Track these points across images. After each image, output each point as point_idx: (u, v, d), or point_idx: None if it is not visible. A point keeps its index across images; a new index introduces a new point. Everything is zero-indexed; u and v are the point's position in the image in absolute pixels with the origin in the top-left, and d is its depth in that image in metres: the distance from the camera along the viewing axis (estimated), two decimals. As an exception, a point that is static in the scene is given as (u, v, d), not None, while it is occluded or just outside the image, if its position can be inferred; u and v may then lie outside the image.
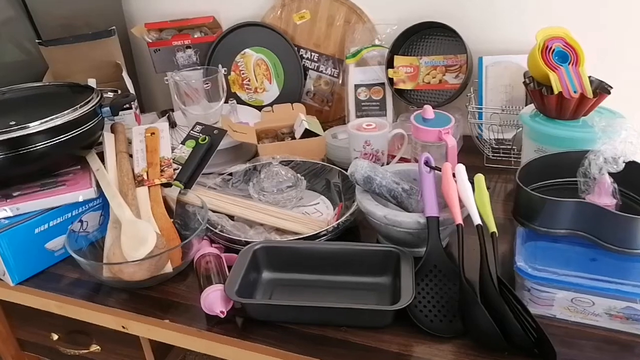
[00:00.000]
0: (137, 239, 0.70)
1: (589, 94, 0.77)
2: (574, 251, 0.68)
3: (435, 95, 1.13)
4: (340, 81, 1.21)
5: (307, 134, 1.01)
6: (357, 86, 1.14)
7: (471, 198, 0.69)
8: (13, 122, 0.87)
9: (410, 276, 0.66)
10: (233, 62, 1.25)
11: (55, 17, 1.13)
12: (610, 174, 0.69)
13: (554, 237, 0.68)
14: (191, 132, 0.93)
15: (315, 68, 1.23)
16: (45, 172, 0.83)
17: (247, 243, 0.75)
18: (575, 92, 0.79)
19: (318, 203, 0.93)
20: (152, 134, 0.91)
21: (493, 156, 1.04)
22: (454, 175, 0.72)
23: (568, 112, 0.79)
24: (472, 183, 0.71)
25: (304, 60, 1.22)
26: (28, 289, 0.77)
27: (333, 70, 1.22)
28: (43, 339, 0.91)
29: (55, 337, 0.90)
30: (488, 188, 0.72)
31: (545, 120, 0.82)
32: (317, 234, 0.77)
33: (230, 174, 0.95)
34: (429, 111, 0.88)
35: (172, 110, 1.22)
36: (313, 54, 1.21)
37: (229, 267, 0.73)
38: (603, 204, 0.67)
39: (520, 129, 0.94)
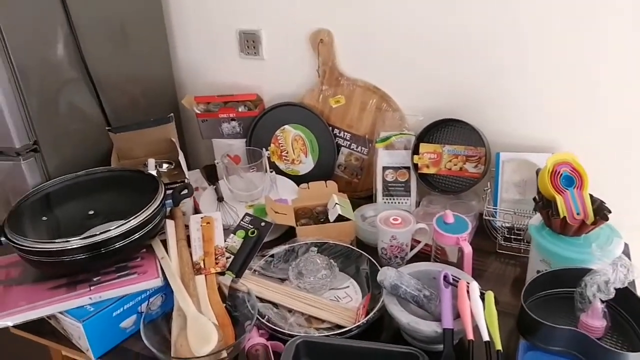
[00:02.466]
0: (202, 336, 0.84)
1: (590, 220, 0.89)
2: (569, 365, 0.80)
3: (455, 181, 1.25)
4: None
5: (340, 217, 1.15)
6: (384, 168, 1.27)
7: (481, 315, 0.81)
8: (92, 212, 1.03)
9: (427, 380, 0.79)
10: (273, 135, 1.38)
11: (117, 85, 1.28)
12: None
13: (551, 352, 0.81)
14: (241, 222, 1.07)
15: (347, 145, 1.36)
16: (120, 262, 0.98)
17: (289, 332, 0.90)
18: (578, 213, 0.91)
19: (348, 287, 1.06)
20: (208, 223, 1.05)
21: (505, 243, 1.17)
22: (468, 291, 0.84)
23: (571, 232, 0.91)
24: (483, 299, 0.84)
25: (337, 138, 1.36)
26: (106, 363, 0.93)
27: (363, 148, 1.35)
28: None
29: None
30: (497, 303, 0.84)
31: (550, 235, 0.94)
32: (349, 329, 0.90)
33: (272, 256, 1.09)
34: (449, 216, 1.01)
35: (217, 179, 1.36)
36: (346, 133, 1.35)
37: (274, 352, 0.88)
38: (594, 326, 0.80)
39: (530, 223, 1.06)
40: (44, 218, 1.01)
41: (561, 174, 0.93)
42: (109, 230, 0.91)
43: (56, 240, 0.89)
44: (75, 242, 0.89)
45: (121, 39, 1.28)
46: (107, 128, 1.20)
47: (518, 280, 1.09)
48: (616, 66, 1.06)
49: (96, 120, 1.22)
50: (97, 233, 0.90)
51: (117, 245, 0.92)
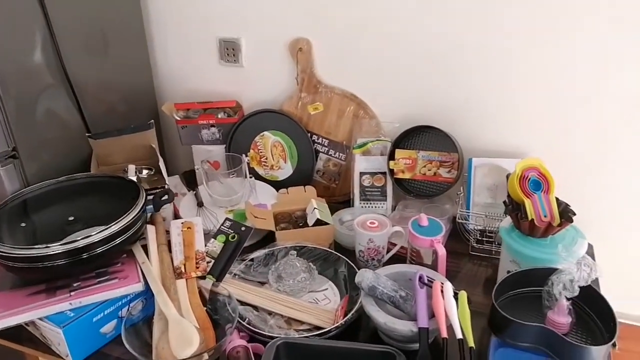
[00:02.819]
0: (183, 338, 0.86)
1: (556, 222, 0.94)
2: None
3: (430, 185, 1.29)
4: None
5: (318, 221, 1.17)
6: (362, 173, 1.30)
7: (455, 314, 0.85)
8: (72, 218, 1.04)
9: (404, 379, 0.82)
10: (252, 141, 1.40)
11: (96, 92, 1.28)
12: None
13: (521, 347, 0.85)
14: (221, 227, 1.09)
15: (325, 152, 1.39)
16: (101, 267, 0.98)
17: (269, 334, 0.92)
18: (545, 216, 0.96)
19: (327, 289, 1.09)
20: (189, 228, 1.07)
21: (477, 245, 1.21)
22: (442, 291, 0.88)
23: (538, 233, 0.96)
24: (456, 299, 0.88)
25: (315, 144, 1.38)
26: (86, 368, 0.93)
27: (341, 154, 1.38)
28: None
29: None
30: (469, 303, 0.88)
31: (520, 237, 0.98)
32: (328, 330, 0.93)
33: (252, 260, 1.11)
34: (423, 219, 1.05)
35: (196, 185, 1.37)
36: (324, 139, 1.38)
37: (254, 354, 0.90)
38: (560, 322, 0.84)
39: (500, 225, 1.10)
40: (23, 224, 1.01)
41: (529, 179, 0.98)
42: (91, 235, 0.92)
43: (36, 246, 0.89)
44: (56, 248, 0.89)
45: (101, 46, 1.28)
46: (87, 134, 1.20)
47: (490, 281, 1.13)
48: (584, 75, 1.12)
49: (75, 126, 1.23)
50: (79, 238, 0.91)
51: (98, 250, 0.93)
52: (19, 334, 0.96)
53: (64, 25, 1.15)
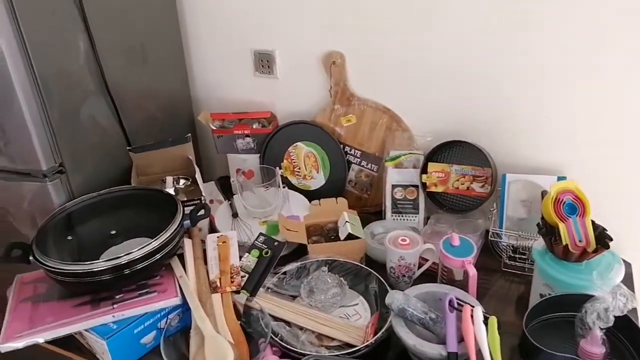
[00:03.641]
0: (219, 355, 0.90)
1: (591, 248, 0.92)
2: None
3: (462, 200, 1.28)
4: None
5: (350, 235, 1.19)
6: (394, 186, 1.30)
7: (484, 340, 0.85)
8: (114, 232, 1.08)
9: (432, 402, 0.83)
10: (286, 151, 1.43)
11: (135, 101, 1.32)
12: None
13: (551, 376, 0.85)
14: (255, 242, 1.12)
15: (358, 163, 1.40)
16: (141, 280, 1.03)
17: (301, 351, 0.94)
18: (580, 241, 0.94)
19: (357, 304, 1.10)
20: (224, 242, 1.10)
21: (509, 262, 1.20)
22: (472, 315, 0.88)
23: (573, 258, 0.94)
24: (486, 323, 0.88)
25: (348, 155, 1.40)
26: (128, 378, 0.98)
27: (373, 165, 1.38)
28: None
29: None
30: (499, 328, 0.88)
31: (553, 260, 0.97)
32: (358, 348, 0.95)
33: (284, 273, 1.14)
34: (455, 239, 1.05)
35: (232, 192, 1.41)
36: (356, 151, 1.38)
37: (286, 370, 0.94)
38: (592, 352, 0.84)
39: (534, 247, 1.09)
40: (69, 237, 1.07)
41: (564, 202, 0.97)
42: (132, 252, 0.96)
43: (82, 262, 0.94)
44: (100, 264, 0.94)
45: (140, 57, 1.32)
46: (127, 148, 1.25)
47: (522, 299, 1.12)
48: (621, 93, 1.09)
49: (115, 136, 1.27)
50: (122, 255, 0.95)
51: (139, 266, 0.97)
52: (68, 342, 1.01)
53: (103, 36, 1.18)
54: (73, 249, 1.05)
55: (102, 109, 1.23)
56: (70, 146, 1.15)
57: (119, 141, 1.28)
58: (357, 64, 1.31)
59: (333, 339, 1.01)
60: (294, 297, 1.11)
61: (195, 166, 1.31)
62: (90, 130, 1.20)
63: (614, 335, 0.88)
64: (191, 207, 1.13)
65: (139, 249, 0.98)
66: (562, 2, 1.06)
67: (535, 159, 1.23)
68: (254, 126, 1.43)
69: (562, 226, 0.95)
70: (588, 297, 0.87)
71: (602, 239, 0.94)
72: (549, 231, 0.98)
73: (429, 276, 1.14)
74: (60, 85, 1.10)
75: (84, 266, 0.94)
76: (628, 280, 1.11)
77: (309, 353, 0.94)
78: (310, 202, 1.35)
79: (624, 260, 1.01)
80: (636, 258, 1.18)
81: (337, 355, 0.94)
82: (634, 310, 0.88)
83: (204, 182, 1.52)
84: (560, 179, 1.16)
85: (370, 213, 1.41)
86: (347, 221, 1.21)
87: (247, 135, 1.43)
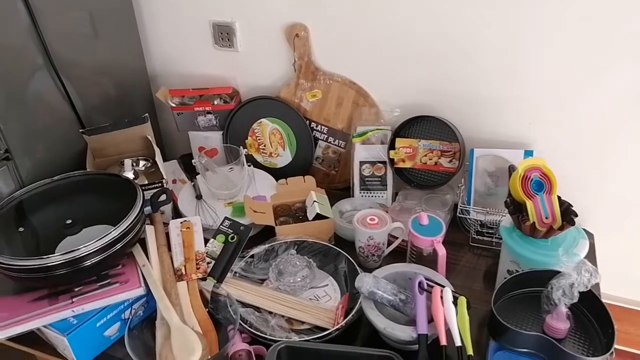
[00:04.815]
0: (186, 347, 0.87)
1: (557, 225, 0.93)
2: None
3: (431, 175, 1.27)
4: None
5: (318, 215, 1.17)
6: (361, 163, 1.28)
7: (454, 321, 0.86)
8: (70, 221, 1.03)
9: (403, 384, 0.84)
10: (250, 128, 1.38)
11: (86, 77, 1.24)
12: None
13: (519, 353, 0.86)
14: (221, 226, 1.08)
15: (325, 139, 1.36)
16: (101, 271, 0.98)
17: (271, 337, 0.93)
18: (547, 218, 0.95)
19: (327, 285, 1.09)
20: (188, 228, 1.06)
21: (477, 236, 1.21)
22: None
23: (539, 235, 0.95)
24: (456, 304, 0.89)
25: (314, 131, 1.36)
26: (92, 372, 0.95)
27: (340, 141, 1.35)
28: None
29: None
30: (469, 308, 0.89)
31: (520, 238, 0.97)
32: (329, 332, 0.94)
33: (252, 256, 1.11)
34: (424, 218, 1.04)
35: (196, 173, 1.35)
36: (323, 127, 1.35)
37: (257, 356, 0.92)
38: (557, 327, 0.85)
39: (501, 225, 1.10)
40: (21, 229, 1.01)
41: (532, 179, 0.96)
42: (89, 244, 0.91)
43: (36, 257, 0.89)
44: (56, 259, 0.89)
45: (89, 29, 1.23)
46: (80, 130, 1.18)
47: (489, 272, 1.14)
48: (591, 67, 1.08)
49: (67, 116, 1.19)
50: (79, 247, 0.90)
51: (98, 258, 0.93)
52: (29, 337, 0.96)
53: (44, 6, 1.09)
54: (26, 242, 0.99)
55: (50, 88, 1.14)
56: (16, 129, 1.07)
57: (71, 123, 1.20)
58: (322, 36, 1.26)
59: (303, 323, 1.00)
60: (262, 281, 1.09)
61: (155, 147, 1.25)
62: (39, 112, 1.12)
63: (578, 309, 0.90)
64: (153, 191, 1.08)
65: (97, 240, 0.93)
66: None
67: (502, 134, 1.22)
68: (216, 102, 1.37)
69: (529, 204, 0.95)
70: (554, 274, 0.88)
71: (568, 215, 0.95)
72: (516, 208, 0.98)
73: (399, 253, 1.13)
74: (1, 63, 1.02)
75: (38, 261, 0.88)
76: (590, 251, 1.13)
77: (279, 339, 0.93)
78: (276, 181, 1.32)
79: (585, 231, 1.03)
80: (597, 228, 1.21)
81: (307, 341, 0.93)
82: (597, 286, 0.90)
83: (166, 160, 1.48)
84: (527, 153, 1.16)
85: (339, 189, 1.39)
86: (315, 201, 1.18)
87: (209, 112, 1.37)
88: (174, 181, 1.39)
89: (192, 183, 1.30)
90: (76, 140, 1.20)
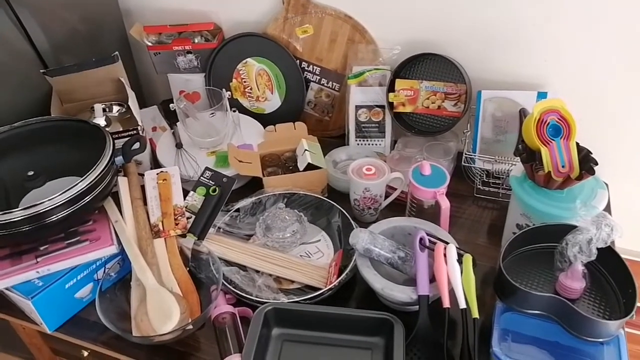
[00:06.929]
0: (162, 311, 0.79)
1: (575, 174, 0.83)
2: (544, 328, 0.78)
3: (433, 120, 1.16)
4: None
5: (310, 165, 1.06)
6: (357, 107, 1.17)
7: (459, 280, 0.78)
8: (32, 172, 0.93)
9: (401, 348, 0.76)
10: (235, 69, 1.25)
11: (48, 11, 1.10)
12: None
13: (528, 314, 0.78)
14: (201, 178, 0.98)
15: (317, 81, 1.24)
16: (69, 228, 0.89)
17: (257, 298, 0.85)
18: (563, 166, 0.85)
19: (319, 240, 1.01)
20: (164, 180, 0.96)
21: (483, 187, 1.12)
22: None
23: (555, 185, 0.86)
24: (460, 262, 0.80)
25: (305, 72, 1.23)
26: (63, 335, 0.87)
27: (334, 84, 1.23)
28: (74, 351, 1.04)
29: (85, 353, 1.02)
30: (474, 266, 0.80)
31: (533, 188, 0.88)
32: (321, 292, 0.86)
33: (237, 210, 1.02)
34: (426, 167, 0.94)
35: (177, 119, 1.24)
36: (315, 67, 1.22)
37: (242, 318, 0.85)
38: (572, 287, 0.77)
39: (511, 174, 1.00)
40: (-23, 182, 0.91)
41: (548, 123, 0.86)
42: (54, 197, 0.81)
43: (-8, 213, 0.79)
44: (17, 214, 0.79)
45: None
46: (42, 71, 1.05)
47: (495, 226, 1.05)
48: (614, 5, 0.95)
49: (27, 56, 1.06)
50: (42, 201, 0.80)
51: (64, 213, 0.83)
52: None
53: None
54: (-17, 196, 0.89)
55: (4, 22, 1.00)
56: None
57: (31, 63, 1.07)
58: (313, -38, 1.11)
59: (293, 282, 0.92)
60: (249, 237, 1.00)
61: (129, 90, 1.13)
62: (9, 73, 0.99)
63: (593, 266, 0.82)
64: (126, 139, 0.97)
65: (62, 193, 0.82)
66: None
67: (513, 74, 1.10)
68: (196, 40, 1.24)
69: (544, 151, 0.85)
70: (569, 228, 0.79)
71: (587, 163, 0.85)
72: (529, 156, 0.88)
73: (398, 206, 1.04)
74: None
75: (-4, 217, 0.79)
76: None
77: (266, 300, 0.85)
78: (264, 128, 1.21)
79: (602, 183, 0.94)
80: (613, 178, 1.12)
81: (297, 302, 0.85)
82: (613, 242, 0.82)
83: (146, 106, 1.36)
84: (540, 94, 1.05)
85: (333, 137, 1.28)
86: (306, 149, 1.08)
87: (189, 52, 1.24)
88: (154, 129, 1.28)
89: (172, 131, 1.19)
90: (38, 83, 1.08)
